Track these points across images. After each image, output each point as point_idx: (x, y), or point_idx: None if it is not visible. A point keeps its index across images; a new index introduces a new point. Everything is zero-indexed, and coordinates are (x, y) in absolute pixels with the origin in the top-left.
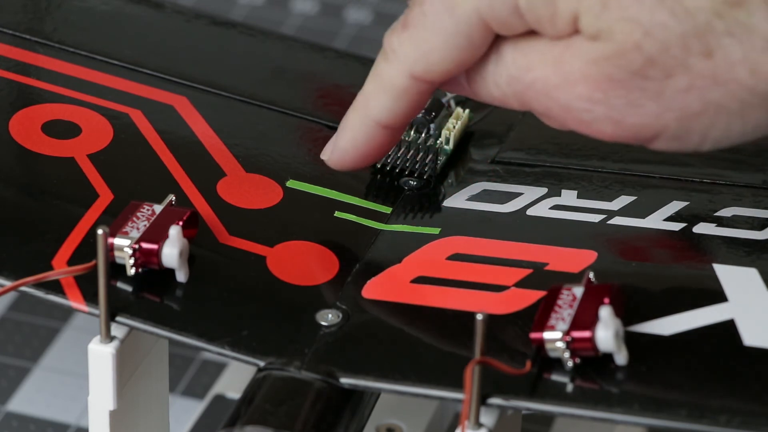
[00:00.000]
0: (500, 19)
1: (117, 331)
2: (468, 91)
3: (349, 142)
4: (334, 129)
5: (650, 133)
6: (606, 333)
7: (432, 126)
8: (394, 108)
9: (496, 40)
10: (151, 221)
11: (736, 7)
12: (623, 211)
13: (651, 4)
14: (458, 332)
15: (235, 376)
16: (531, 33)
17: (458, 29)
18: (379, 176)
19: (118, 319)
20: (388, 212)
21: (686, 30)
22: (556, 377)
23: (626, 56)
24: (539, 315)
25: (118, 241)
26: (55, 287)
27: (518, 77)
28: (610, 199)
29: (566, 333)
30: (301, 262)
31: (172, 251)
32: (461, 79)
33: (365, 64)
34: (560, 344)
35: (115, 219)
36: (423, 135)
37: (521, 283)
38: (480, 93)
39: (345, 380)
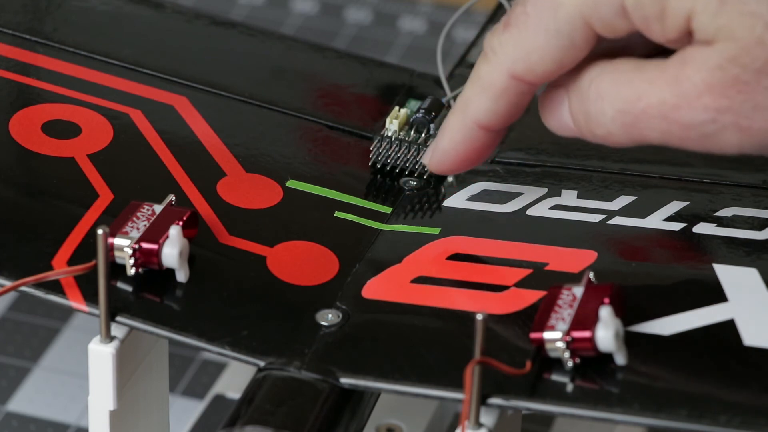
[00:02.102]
0: (605, 19)
1: (117, 331)
2: (576, 131)
3: (449, 144)
4: (335, 129)
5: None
6: (606, 333)
7: (432, 126)
8: (494, 109)
9: (596, 79)
10: (151, 221)
11: None
12: (623, 211)
13: None
14: (458, 332)
15: (235, 376)
16: (628, 62)
17: (560, 29)
18: (379, 176)
19: (118, 319)
20: (388, 212)
21: None
22: (556, 377)
23: (751, 53)
24: (539, 315)
25: (118, 241)
26: (55, 287)
27: (626, 110)
28: (610, 199)
29: (566, 333)
30: (301, 262)
31: (172, 251)
32: (567, 120)
33: (365, 64)
34: (560, 344)
35: (115, 219)
36: (423, 135)
37: (521, 283)
38: (585, 130)
39: (345, 380)
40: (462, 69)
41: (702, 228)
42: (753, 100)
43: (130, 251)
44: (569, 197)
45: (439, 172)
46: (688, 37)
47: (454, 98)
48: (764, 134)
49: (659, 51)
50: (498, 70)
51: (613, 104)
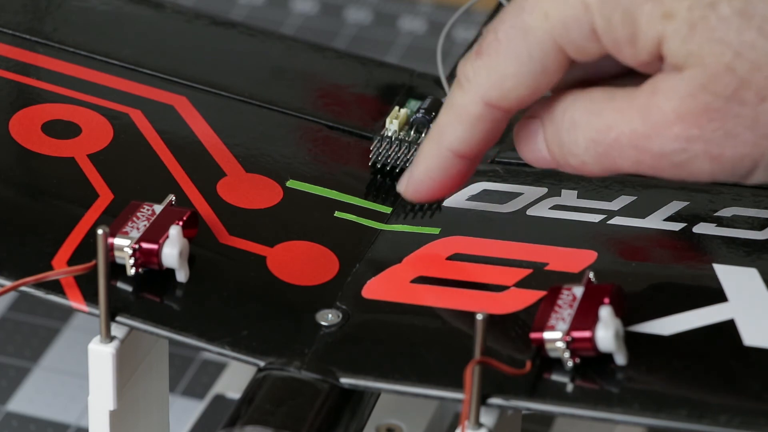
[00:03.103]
0: (576, 43)
1: (117, 331)
2: (552, 162)
3: (424, 173)
4: (335, 129)
5: (748, 164)
6: (606, 333)
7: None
8: (469, 137)
9: (569, 108)
10: (151, 221)
11: None
12: (623, 211)
13: (738, 24)
14: (458, 332)
15: (235, 376)
16: (600, 91)
17: (532, 54)
18: (379, 176)
19: (118, 319)
20: (388, 212)
21: None
22: (556, 377)
23: (720, 80)
24: (539, 315)
25: (118, 241)
26: (55, 287)
27: (598, 139)
28: (610, 199)
29: (566, 333)
30: (301, 262)
31: (172, 251)
32: (543, 151)
33: (365, 64)
34: (560, 344)
35: (115, 219)
36: (423, 135)
37: (521, 283)
38: (561, 163)
39: (345, 380)
40: None
41: (702, 228)
42: (723, 128)
43: (130, 251)
44: (569, 197)
45: (415, 201)
46: (659, 62)
47: None
48: (736, 162)
49: (633, 73)
50: (472, 98)
51: (585, 134)
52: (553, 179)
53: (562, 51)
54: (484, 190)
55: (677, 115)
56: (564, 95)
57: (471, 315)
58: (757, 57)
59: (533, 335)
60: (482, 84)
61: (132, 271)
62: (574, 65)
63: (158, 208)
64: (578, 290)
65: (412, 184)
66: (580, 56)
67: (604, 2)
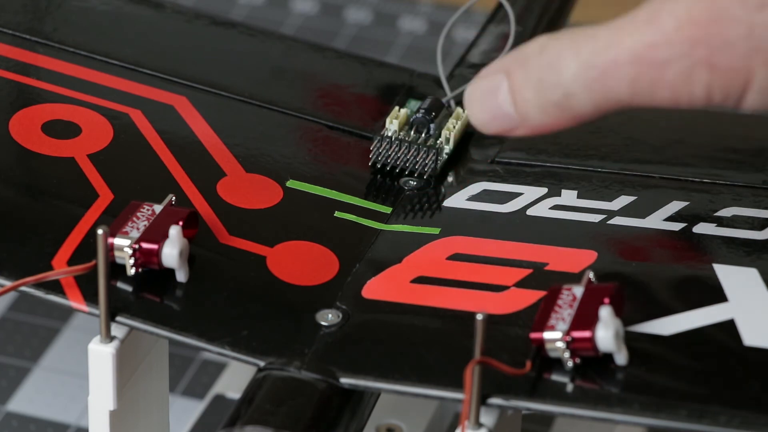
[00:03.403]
0: None
1: (117, 331)
2: (513, 116)
3: None
4: (335, 129)
5: (741, 80)
6: (606, 333)
7: (432, 126)
8: None
9: (548, 46)
10: (151, 221)
11: None
12: (623, 211)
13: None
14: (458, 332)
15: (235, 376)
16: (582, 28)
17: None
18: (379, 176)
19: (118, 319)
20: (388, 212)
21: None
22: (556, 377)
23: None
24: (539, 315)
25: (118, 241)
26: (55, 287)
27: (592, 62)
28: (610, 199)
29: (566, 333)
30: (301, 262)
31: (172, 251)
32: (504, 105)
33: (365, 64)
34: (560, 344)
35: (115, 219)
36: (423, 135)
37: (521, 283)
38: (531, 109)
39: (345, 380)
40: (462, 69)
41: (702, 228)
42: (721, 34)
43: (130, 251)
44: (569, 197)
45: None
46: None
47: (454, 98)
48: (730, 76)
49: None
50: None
51: (576, 59)
52: (553, 179)
53: None
54: (484, 190)
55: (688, 17)
56: (535, 40)
57: (471, 315)
58: None
59: (533, 335)
60: None
61: (132, 271)
62: None
63: (158, 208)
64: (578, 290)
65: None
66: None
67: None
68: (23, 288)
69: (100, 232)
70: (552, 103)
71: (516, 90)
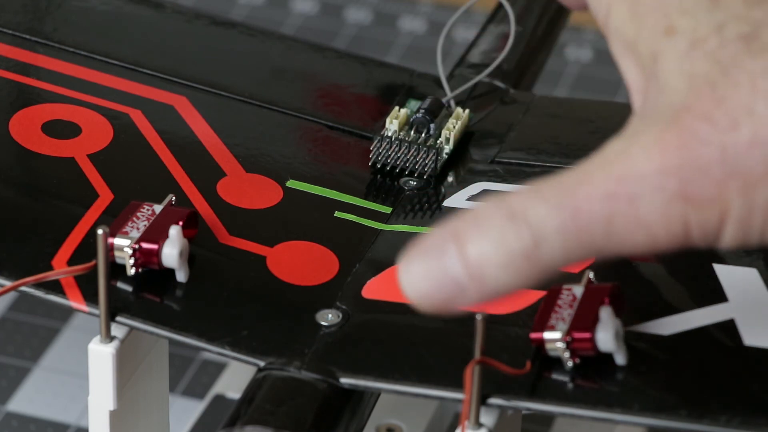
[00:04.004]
0: None
1: (117, 331)
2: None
3: None
4: (335, 129)
5: (716, 212)
6: (606, 334)
7: (432, 126)
8: None
9: (502, 201)
10: (151, 221)
11: None
12: None
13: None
14: (458, 332)
15: (235, 376)
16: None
17: None
18: (379, 176)
19: (118, 319)
20: (388, 212)
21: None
22: (556, 377)
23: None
24: (539, 315)
25: (118, 241)
26: (55, 287)
27: (567, 203)
28: None
29: (566, 333)
30: (301, 262)
31: (172, 251)
32: (458, 275)
33: (365, 64)
34: (560, 344)
35: (115, 219)
36: (423, 135)
37: None
38: (490, 270)
39: (345, 380)
40: (462, 69)
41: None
42: (694, 161)
43: (130, 251)
44: None
45: None
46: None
47: (454, 98)
48: (707, 207)
49: None
50: None
51: (545, 203)
52: None
53: None
54: (484, 190)
55: (659, 146)
56: (482, 203)
57: (471, 315)
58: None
59: (533, 335)
60: None
61: (132, 271)
62: None
63: (158, 208)
64: (578, 290)
65: None
66: None
67: None
68: (23, 288)
69: (100, 232)
70: (517, 254)
71: (468, 248)
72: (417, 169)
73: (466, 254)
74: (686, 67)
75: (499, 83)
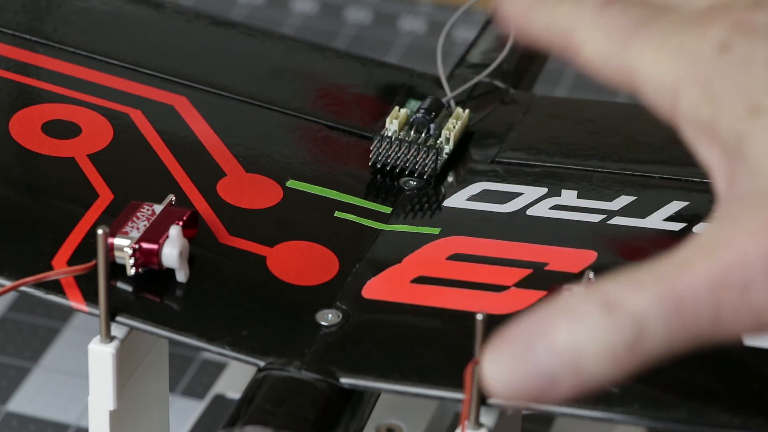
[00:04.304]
0: None
1: (117, 331)
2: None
3: None
4: (335, 129)
5: None
6: (171, 250)
7: (432, 126)
8: None
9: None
10: (151, 221)
11: None
12: (623, 211)
13: None
14: (458, 332)
15: (235, 376)
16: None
17: None
18: (379, 176)
19: (118, 319)
20: (388, 212)
21: None
22: None
23: None
24: (117, 220)
25: (118, 241)
26: (55, 287)
27: (669, 294)
28: (610, 199)
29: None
30: (301, 262)
31: (172, 251)
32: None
33: (365, 64)
34: (128, 250)
35: (115, 219)
36: (423, 135)
37: (521, 283)
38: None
39: (345, 380)
40: (462, 69)
41: (702, 228)
42: None
43: (130, 251)
44: (569, 197)
45: None
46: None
47: (454, 98)
48: None
49: None
50: None
51: (645, 294)
52: (553, 179)
53: None
54: (484, 190)
55: (764, 227)
56: (569, 294)
57: (471, 315)
58: None
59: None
60: None
61: (132, 271)
62: None
63: (158, 208)
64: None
65: None
66: None
67: None
68: (23, 288)
69: (100, 232)
70: (619, 346)
71: (560, 340)
72: (417, 169)
73: (557, 347)
74: None
75: (499, 83)
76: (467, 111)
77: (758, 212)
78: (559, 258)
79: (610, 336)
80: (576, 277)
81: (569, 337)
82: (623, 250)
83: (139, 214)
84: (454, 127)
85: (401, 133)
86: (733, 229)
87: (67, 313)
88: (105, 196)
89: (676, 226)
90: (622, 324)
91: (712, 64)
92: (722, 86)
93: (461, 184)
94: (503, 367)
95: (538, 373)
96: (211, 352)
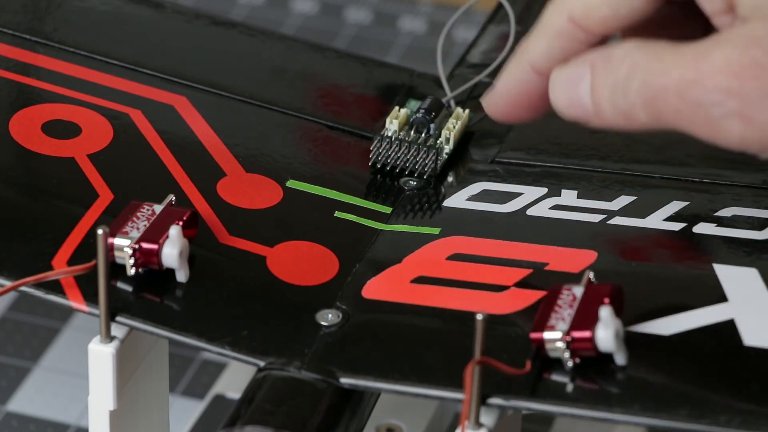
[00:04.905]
0: None
1: (117, 331)
2: (591, 112)
3: (504, 85)
4: (335, 129)
5: None
6: (606, 333)
7: (432, 126)
8: (547, 51)
9: (632, 51)
10: (151, 221)
11: None
12: (623, 211)
13: None
14: (458, 332)
15: (235, 376)
16: (666, 41)
17: None
18: (379, 176)
19: (118, 319)
20: (388, 212)
21: None
22: (556, 377)
23: None
24: (539, 315)
25: (118, 241)
26: (55, 287)
27: (651, 82)
28: (610, 199)
29: (566, 333)
30: (301, 262)
31: (172, 251)
32: (583, 97)
33: (365, 64)
34: (560, 344)
35: (115, 219)
36: (423, 135)
37: (521, 283)
38: (605, 107)
39: (345, 380)
40: (462, 69)
41: (702, 228)
42: (761, 88)
43: (130, 251)
44: (569, 197)
45: (492, 115)
46: (732, 13)
47: (454, 98)
48: (765, 130)
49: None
50: (558, 12)
51: (641, 76)
52: (553, 179)
53: None
54: (484, 190)
55: (724, 63)
56: (626, 42)
57: (471, 315)
58: None
59: (533, 335)
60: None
61: (132, 271)
62: (656, 6)
63: (158, 208)
64: (578, 290)
65: (491, 97)
66: None
67: None
68: (23, 288)
69: (100, 232)
70: (621, 108)
71: (595, 86)
72: (417, 169)
73: (592, 91)
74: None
75: None
76: (467, 111)
77: (730, 49)
78: (559, 258)
79: (616, 99)
80: (576, 277)
81: (597, 89)
82: (623, 250)
83: (139, 214)
84: (454, 127)
85: (401, 133)
86: (710, 52)
87: (67, 313)
88: (105, 196)
89: (676, 226)
90: (622, 97)
91: None
92: None
93: (461, 184)
94: (559, 93)
95: (580, 105)
96: (211, 352)
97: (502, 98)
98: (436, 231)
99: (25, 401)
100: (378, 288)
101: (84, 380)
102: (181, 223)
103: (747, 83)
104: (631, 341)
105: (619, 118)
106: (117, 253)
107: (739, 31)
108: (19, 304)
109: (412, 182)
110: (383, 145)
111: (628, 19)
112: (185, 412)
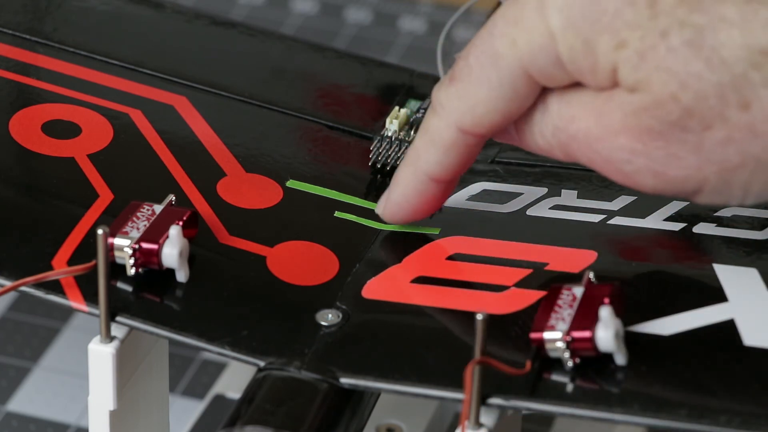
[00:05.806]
0: (543, 70)
1: (117, 331)
2: (517, 140)
3: (401, 196)
4: (335, 129)
5: (692, 186)
6: (606, 333)
7: None
8: (444, 162)
9: (544, 93)
10: (151, 221)
11: None
12: (623, 211)
13: (686, 54)
14: (458, 332)
15: (235, 376)
16: (577, 85)
17: (503, 81)
18: (379, 176)
19: (118, 319)
20: None
21: (722, 81)
22: (556, 377)
23: (664, 107)
24: (539, 315)
25: (118, 241)
26: (55, 287)
27: (562, 128)
28: (610, 199)
29: (566, 333)
30: (301, 262)
31: (172, 251)
32: (511, 130)
33: (365, 64)
34: (560, 344)
35: (115, 219)
36: None
37: (521, 283)
38: (527, 143)
39: (345, 380)
40: None
41: (702, 228)
42: (666, 149)
43: (130, 251)
44: (569, 197)
45: (393, 222)
46: (618, 87)
47: None
48: (679, 182)
49: None
50: (446, 124)
51: (553, 120)
52: (553, 179)
53: (530, 77)
54: (484, 190)
55: (623, 127)
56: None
57: (471, 315)
58: (702, 87)
59: (533, 335)
60: (455, 110)
61: (132, 271)
62: (544, 89)
63: (158, 208)
64: (578, 290)
65: (389, 207)
66: (548, 82)
67: (567, 31)
68: (23, 288)
69: (100, 232)
70: (541, 147)
71: (517, 123)
72: None
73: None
74: (640, 75)
75: None
76: None
77: (623, 115)
78: (559, 258)
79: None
80: (576, 277)
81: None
82: (623, 250)
83: (139, 214)
84: None
85: (401, 133)
86: (611, 100)
87: (67, 313)
88: (105, 196)
89: (676, 226)
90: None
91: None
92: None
93: (461, 184)
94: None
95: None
96: (211, 352)
97: (402, 207)
98: (436, 231)
99: (25, 401)
100: (378, 288)
101: (84, 380)
102: (181, 223)
103: (650, 145)
104: (631, 341)
105: (544, 153)
106: (117, 253)
107: (629, 100)
108: (19, 304)
109: None
110: (383, 145)
111: (517, 114)
112: (185, 412)
